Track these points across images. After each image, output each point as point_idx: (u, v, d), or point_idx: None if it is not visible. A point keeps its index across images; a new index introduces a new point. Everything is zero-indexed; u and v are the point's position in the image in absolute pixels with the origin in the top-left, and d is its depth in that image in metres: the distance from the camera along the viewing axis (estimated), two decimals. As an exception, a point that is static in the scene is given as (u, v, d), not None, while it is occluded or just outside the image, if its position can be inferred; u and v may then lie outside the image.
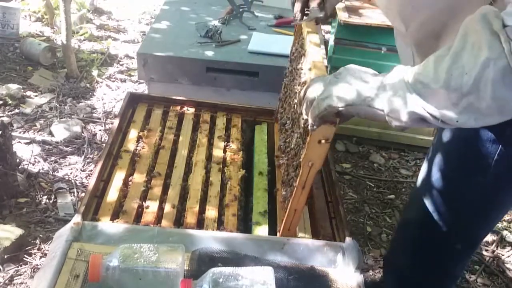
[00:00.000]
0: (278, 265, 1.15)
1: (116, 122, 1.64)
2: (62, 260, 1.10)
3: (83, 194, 2.23)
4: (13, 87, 2.95)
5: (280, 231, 1.27)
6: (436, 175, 1.25)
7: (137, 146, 1.58)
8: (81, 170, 2.44)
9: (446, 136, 1.22)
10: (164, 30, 2.47)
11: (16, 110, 2.85)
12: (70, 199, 2.26)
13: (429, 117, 0.87)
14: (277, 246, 1.21)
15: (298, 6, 1.42)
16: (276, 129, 1.70)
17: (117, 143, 1.60)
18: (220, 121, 1.76)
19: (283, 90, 1.63)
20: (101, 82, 3.27)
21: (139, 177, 1.46)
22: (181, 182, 1.47)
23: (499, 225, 2.39)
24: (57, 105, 2.93)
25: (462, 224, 1.27)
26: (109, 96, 3.14)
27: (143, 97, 1.84)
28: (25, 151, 2.48)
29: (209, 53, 2.23)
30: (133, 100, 1.79)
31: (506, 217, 2.45)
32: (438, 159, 1.25)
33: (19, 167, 2.33)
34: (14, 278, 1.87)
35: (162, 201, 1.40)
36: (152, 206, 1.36)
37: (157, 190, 1.43)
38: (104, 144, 2.04)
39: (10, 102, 2.87)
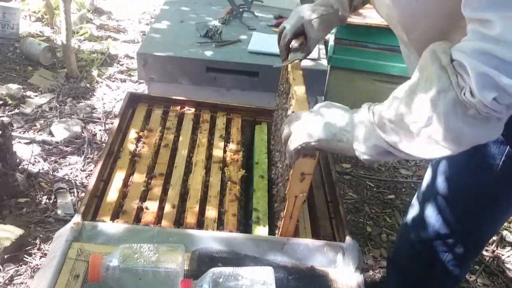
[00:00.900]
0: (278, 265, 1.15)
1: (116, 122, 1.64)
2: (62, 260, 1.11)
3: (83, 194, 2.23)
4: (13, 87, 2.95)
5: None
6: (441, 176, 1.25)
7: (137, 146, 1.58)
8: (81, 170, 2.44)
9: None
10: (164, 30, 2.47)
11: (16, 110, 2.85)
12: (70, 199, 2.26)
13: (392, 150, 0.93)
14: (277, 246, 1.21)
15: (282, 44, 1.47)
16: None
17: (117, 143, 1.60)
18: (220, 121, 1.76)
19: (274, 122, 1.64)
20: (101, 82, 3.27)
21: (139, 177, 1.46)
22: (181, 182, 1.47)
23: (499, 225, 2.39)
24: (57, 105, 2.93)
25: (467, 226, 1.27)
26: (109, 96, 3.14)
27: (143, 97, 1.84)
28: (25, 151, 2.48)
29: (209, 53, 2.23)
30: (133, 100, 1.79)
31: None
32: (444, 159, 1.24)
33: (19, 167, 2.33)
34: (14, 278, 1.87)
35: (162, 201, 1.40)
36: (152, 206, 1.36)
37: (157, 190, 1.43)
38: (104, 144, 2.04)
39: (10, 102, 2.87)
